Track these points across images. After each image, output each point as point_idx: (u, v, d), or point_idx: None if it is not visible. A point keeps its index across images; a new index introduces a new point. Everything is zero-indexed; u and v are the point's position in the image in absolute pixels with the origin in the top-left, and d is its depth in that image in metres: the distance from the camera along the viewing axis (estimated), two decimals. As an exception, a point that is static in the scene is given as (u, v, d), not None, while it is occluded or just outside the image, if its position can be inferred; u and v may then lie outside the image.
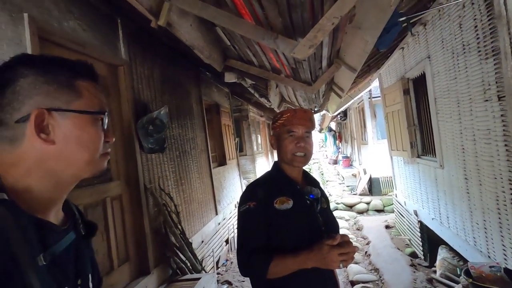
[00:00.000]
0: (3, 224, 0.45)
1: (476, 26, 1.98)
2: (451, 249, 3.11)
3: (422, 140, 3.58)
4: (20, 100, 0.51)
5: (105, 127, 0.59)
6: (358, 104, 8.59)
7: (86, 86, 0.57)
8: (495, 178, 1.98)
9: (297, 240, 1.08)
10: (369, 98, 7.62)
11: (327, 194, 1.25)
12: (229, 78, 2.54)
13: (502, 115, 1.82)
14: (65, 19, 1.85)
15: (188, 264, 2.77)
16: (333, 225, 1.21)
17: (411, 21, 1.92)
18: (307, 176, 1.24)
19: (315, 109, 4.61)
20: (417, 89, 3.52)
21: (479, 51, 1.97)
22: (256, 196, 1.10)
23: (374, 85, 5.77)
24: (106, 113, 0.58)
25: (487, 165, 2.06)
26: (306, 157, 1.14)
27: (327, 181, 10.38)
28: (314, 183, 1.22)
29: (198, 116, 4.01)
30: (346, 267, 1.09)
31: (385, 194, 7.19)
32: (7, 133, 0.52)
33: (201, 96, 4.18)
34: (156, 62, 3.01)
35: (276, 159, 1.26)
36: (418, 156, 3.61)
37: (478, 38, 1.98)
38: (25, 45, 1.57)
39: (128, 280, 2.27)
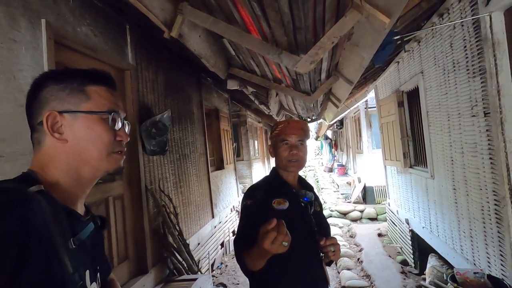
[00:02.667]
0: (42, 210, 0.54)
1: (465, 46, 2.12)
2: (440, 257, 3.21)
3: (414, 151, 3.70)
4: (41, 107, 0.61)
5: (118, 126, 0.64)
6: (354, 113, 8.75)
7: (96, 90, 0.64)
8: (481, 189, 2.09)
9: (293, 240, 1.17)
10: (365, 108, 7.78)
11: (321, 200, 1.36)
12: (232, 85, 2.64)
13: (487, 130, 1.94)
14: (79, 25, 1.95)
15: (185, 265, 2.83)
16: (325, 227, 1.31)
17: (405, 39, 2.05)
18: (302, 181, 1.35)
19: (313, 118, 4.73)
20: (410, 101, 3.66)
21: (468, 70, 2.11)
22: (254, 196, 1.21)
23: (370, 95, 5.93)
24: (113, 112, 0.63)
25: (474, 176, 2.17)
26: (299, 163, 1.25)
27: (322, 188, 10.47)
28: (309, 188, 1.33)
29: (198, 121, 4.10)
30: (336, 261, 1.16)
31: (379, 203, 7.30)
32: (35, 135, 0.63)
33: (201, 101, 4.28)
34: (160, 67, 3.11)
35: (273, 165, 1.37)
36: (411, 166, 3.74)
37: (467, 57, 2.11)
38: (42, 49, 1.66)
39: (127, 278, 2.32)
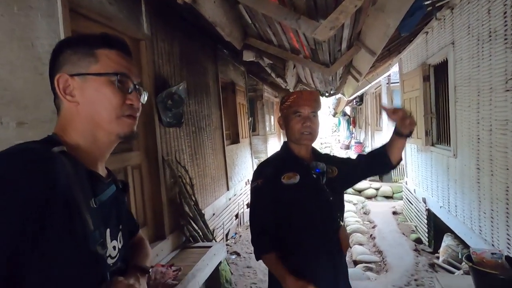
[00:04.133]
0: (65, 169, 0.56)
1: (505, 12, 1.91)
2: (456, 237, 3.16)
3: (437, 129, 3.54)
4: (57, 71, 0.63)
5: (129, 90, 0.64)
6: (375, 89, 8.39)
7: (106, 53, 0.64)
8: (507, 169, 1.98)
9: (306, 212, 1.17)
10: (387, 83, 7.42)
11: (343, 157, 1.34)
12: (247, 56, 2.56)
13: (521, 106, 1.80)
14: (93, -8, 1.91)
15: (200, 233, 2.95)
16: (338, 192, 1.28)
17: (437, 5, 1.87)
18: (315, 152, 1.31)
19: (331, 92, 4.57)
20: (437, 76, 3.44)
21: (506, 39, 1.92)
22: (265, 174, 1.20)
23: (393, 70, 5.62)
24: (121, 74, 0.62)
25: (501, 156, 2.05)
26: (312, 135, 1.21)
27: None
28: (321, 157, 1.29)
29: (214, 94, 4.07)
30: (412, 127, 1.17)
31: (395, 181, 7.18)
32: (57, 101, 0.65)
33: (217, 74, 4.21)
34: (176, 37, 3.05)
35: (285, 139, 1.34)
36: (432, 145, 3.59)
37: (506, 25, 1.91)
38: (57, 17, 1.65)
39: (146, 243, 2.46)
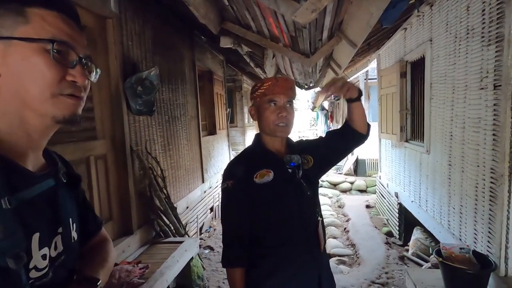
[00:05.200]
0: None
1: (483, 10, 1.91)
2: (425, 230, 3.26)
3: (412, 125, 3.60)
4: None
5: (71, 63, 0.51)
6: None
7: (40, 13, 0.50)
8: (478, 166, 2.02)
9: (285, 211, 1.08)
10: (365, 79, 7.54)
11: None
12: (225, 43, 2.42)
13: (494, 104, 1.82)
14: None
15: (172, 228, 2.82)
16: (315, 185, 1.21)
17: (419, -2, 1.83)
18: (289, 143, 1.21)
19: (310, 85, 4.53)
20: (414, 73, 3.48)
21: (483, 37, 1.93)
22: (235, 173, 1.09)
23: (372, 66, 5.68)
24: (59, 42, 0.50)
25: (472, 153, 2.09)
26: (288, 126, 1.11)
27: (314, 159, 10.52)
28: (295, 148, 1.19)
29: (190, 82, 3.88)
30: (355, 94, 1.16)
31: (370, 176, 7.38)
32: None
33: (194, 61, 4.02)
34: (149, 19, 2.83)
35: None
36: (406, 141, 3.66)
37: (483, 23, 1.92)
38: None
39: (111, 238, 2.28)
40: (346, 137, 1.21)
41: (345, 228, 4.33)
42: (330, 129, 1.42)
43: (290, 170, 1.10)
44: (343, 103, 10.58)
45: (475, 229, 2.08)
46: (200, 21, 1.89)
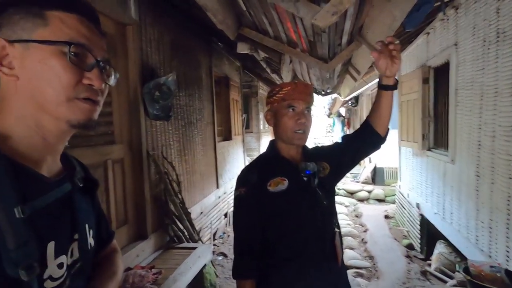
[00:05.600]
0: None
1: (516, 12, 1.81)
2: (449, 244, 3.09)
3: (435, 133, 3.45)
4: None
5: (88, 66, 0.50)
6: (371, 90, 8.32)
7: (59, 16, 0.49)
8: (510, 178, 1.89)
9: (299, 222, 1.03)
10: (384, 85, 7.34)
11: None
12: (242, 48, 2.41)
13: (529, 112, 1.70)
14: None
15: (186, 233, 2.80)
16: (330, 192, 1.15)
17: (445, 0, 1.75)
18: (305, 151, 1.15)
19: (327, 91, 4.45)
20: (437, 78, 3.34)
21: (515, 40, 1.81)
22: (248, 181, 1.05)
23: (392, 72, 5.51)
24: (77, 45, 0.48)
25: (503, 163, 1.96)
26: (305, 134, 1.07)
27: (330, 166, 10.31)
28: (311, 154, 1.14)
29: (206, 88, 3.91)
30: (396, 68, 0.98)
31: (388, 185, 7.14)
32: None
33: (211, 67, 4.05)
34: (167, 26, 2.88)
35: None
36: (429, 149, 3.50)
37: (516, 26, 1.81)
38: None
39: (126, 242, 2.30)
40: (362, 138, 1.13)
41: (362, 239, 4.18)
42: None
43: (305, 178, 1.05)
44: (360, 109, 10.37)
45: (507, 246, 1.93)
46: (217, 27, 1.90)
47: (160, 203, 2.65)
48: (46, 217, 0.49)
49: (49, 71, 0.47)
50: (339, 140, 1.23)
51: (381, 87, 1.05)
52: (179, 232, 2.74)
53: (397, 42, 0.97)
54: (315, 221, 1.04)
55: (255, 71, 6.06)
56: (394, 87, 1.04)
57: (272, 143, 1.15)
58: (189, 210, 2.95)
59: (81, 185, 0.59)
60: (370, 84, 5.91)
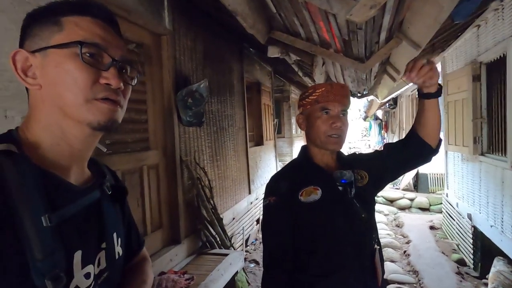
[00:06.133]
0: (2, 170, 0.41)
1: None
2: (510, 262, 2.72)
3: (489, 136, 3.10)
4: None
5: (105, 66, 0.49)
6: (412, 91, 7.81)
7: (74, 20, 0.48)
8: None
9: (333, 236, 0.94)
10: (426, 85, 6.85)
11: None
12: (273, 52, 2.37)
13: None
14: (112, -17, 1.83)
15: (218, 239, 2.80)
16: (371, 205, 1.04)
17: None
18: (340, 157, 1.06)
19: (363, 93, 4.24)
20: (490, 75, 3.01)
21: None
22: (278, 189, 0.98)
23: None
24: (88, 44, 0.47)
25: None
26: (341, 138, 0.98)
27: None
28: (348, 162, 1.04)
29: (238, 93, 3.93)
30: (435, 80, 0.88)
31: (433, 192, 6.59)
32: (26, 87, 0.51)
33: (243, 73, 4.07)
34: (200, 34, 2.94)
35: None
36: (482, 154, 3.15)
37: None
38: (72, 7, 1.57)
39: (160, 246, 2.35)
40: (410, 150, 1.02)
41: (405, 251, 3.86)
42: (388, 142, 1.19)
43: (340, 188, 0.96)
44: (399, 112, 9.77)
45: None
46: (248, 31, 1.88)
47: (193, 208, 2.68)
48: (73, 226, 0.48)
49: (66, 74, 0.47)
50: (381, 148, 1.11)
51: (422, 96, 0.94)
52: (211, 238, 2.75)
53: (425, 62, 0.85)
54: (351, 236, 0.94)
55: (287, 75, 6.00)
56: (437, 94, 0.93)
57: (304, 149, 1.08)
58: (221, 216, 2.95)
59: (110, 193, 0.58)
60: (410, 84, 5.54)
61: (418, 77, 0.85)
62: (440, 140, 1.02)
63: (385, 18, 1.46)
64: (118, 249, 0.59)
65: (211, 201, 2.87)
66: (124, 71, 0.53)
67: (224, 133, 3.46)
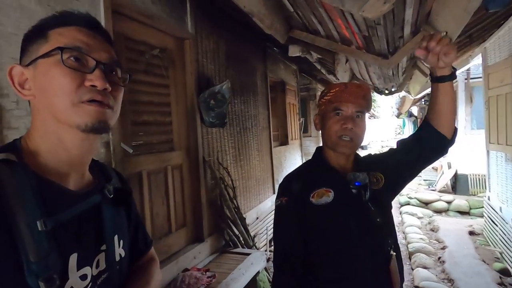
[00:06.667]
0: (1, 179, 0.45)
1: None
2: (562, 274, 2.44)
3: (537, 134, 2.80)
4: None
5: (91, 68, 0.51)
6: (450, 86, 7.28)
7: (59, 31, 0.51)
8: None
9: (345, 240, 0.91)
10: (465, 79, 6.36)
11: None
12: (293, 51, 2.34)
13: None
14: (136, -8, 1.92)
15: (241, 238, 2.83)
16: (385, 208, 0.99)
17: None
18: (357, 160, 1.02)
19: (392, 90, 4.03)
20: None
21: None
22: (290, 190, 0.96)
23: (474, 63, 4.73)
24: (68, 49, 0.49)
25: None
26: (353, 142, 0.93)
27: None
28: (362, 164, 1.00)
29: (262, 93, 3.93)
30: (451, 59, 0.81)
31: (474, 195, 6.10)
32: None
33: (266, 73, 4.07)
34: (222, 36, 2.99)
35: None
36: (529, 154, 2.86)
37: None
38: (100, 18, 1.67)
39: (184, 244, 2.43)
40: (423, 141, 0.96)
41: (439, 258, 3.62)
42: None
43: (354, 191, 0.93)
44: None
45: None
46: (266, 32, 1.87)
47: (216, 207, 2.74)
48: (69, 230, 0.51)
49: (52, 81, 0.49)
50: (394, 146, 1.06)
51: (435, 79, 0.88)
52: (234, 237, 2.78)
53: (444, 34, 0.79)
54: (364, 241, 0.90)
55: (312, 74, 5.89)
56: (451, 76, 0.86)
57: (318, 150, 1.06)
58: (244, 216, 2.98)
59: (111, 196, 0.60)
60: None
61: (437, 48, 0.78)
62: (455, 130, 0.95)
63: (407, 12, 1.37)
64: (120, 251, 0.61)
65: (234, 201, 2.90)
66: (113, 73, 0.55)
67: (247, 133, 3.49)
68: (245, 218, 2.96)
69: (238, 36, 3.32)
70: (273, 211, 3.53)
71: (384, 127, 22.62)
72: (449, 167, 6.89)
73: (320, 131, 1.02)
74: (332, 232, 0.92)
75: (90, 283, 0.52)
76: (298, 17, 1.85)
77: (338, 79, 2.86)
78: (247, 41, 3.54)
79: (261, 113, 3.90)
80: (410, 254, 3.78)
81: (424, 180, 7.69)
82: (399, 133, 22.58)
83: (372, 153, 1.12)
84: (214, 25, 2.84)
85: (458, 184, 6.46)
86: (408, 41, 1.70)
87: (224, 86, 2.74)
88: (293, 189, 0.96)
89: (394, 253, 0.93)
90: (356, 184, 0.92)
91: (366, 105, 0.95)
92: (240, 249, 2.73)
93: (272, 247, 3.81)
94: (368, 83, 3.76)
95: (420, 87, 4.06)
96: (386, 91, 3.95)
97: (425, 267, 3.38)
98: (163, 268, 2.05)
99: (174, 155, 2.36)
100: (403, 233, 4.64)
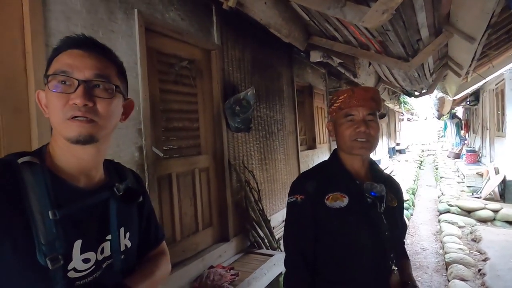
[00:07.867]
0: (16, 178, 0.57)
1: None
2: None
3: None
4: None
5: (74, 89, 0.57)
6: (496, 85, 6.71)
7: (57, 58, 0.62)
8: None
9: (352, 247, 0.94)
10: (514, 77, 5.82)
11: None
12: (315, 57, 2.39)
13: None
14: (167, 11, 2.12)
15: (265, 240, 2.91)
16: (399, 230, 1.02)
17: None
18: (374, 168, 1.04)
19: (422, 91, 3.84)
20: None
21: None
22: (306, 188, 0.97)
23: (523, 59, 4.34)
24: (52, 75, 0.58)
25: None
26: (370, 143, 0.94)
27: (441, 177, 8.75)
28: (381, 177, 1.02)
29: (288, 98, 3.99)
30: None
31: (526, 203, 5.52)
32: None
33: (293, 78, 4.12)
34: (247, 44, 3.11)
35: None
36: None
37: None
38: (135, 36, 1.89)
39: (210, 243, 2.57)
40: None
41: (479, 270, 3.36)
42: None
43: (369, 200, 0.94)
44: (483, 108, 8.44)
45: None
46: (284, 40, 1.95)
47: (241, 209, 2.85)
48: (76, 220, 0.60)
49: (49, 102, 0.60)
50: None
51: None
52: (259, 239, 2.87)
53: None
54: (373, 250, 0.93)
55: (341, 76, 5.80)
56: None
57: (334, 153, 1.06)
58: (269, 218, 3.05)
59: (119, 194, 0.68)
60: (490, 77, 4.79)
61: None
62: None
63: (419, 16, 1.36)
64: (126, 242, 0.69)
65: (259, 204, 2.99)
66: (99, 86, 0.61)
67: (273, 138, 3.57)
68: (269, 221, 3.03)
69: (263, 43, 3.43)
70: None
71: (424, 129, 21.20)
72: (497, 172, 6.31)
73: (335, 137, 1.04)
74: (340, 236, 0.94)
75: (94, 266, 0.61)
76: (315, 25, 1.91)
77: (363, 83, 2.83)
78: (272, 47, 3.63)
79: (288, 117, 3.96)
80: (447, 265, 3.56)
81: (467, 186, 7.12)
82: (441, 136, 21.05)
83: (393, 177, 1.14)
84: (239, 35, 2.98)
85: (507, 191, 5.89)
86: (429, 43, 1.66)
87: (249, 92, 2.86)
88: (309, 188, 0.97)
89: (396, 268, 0.95)
90: (372, 194, 0.94)
91: (376, 106, 0.97)
92: (264, 250, 2.81)
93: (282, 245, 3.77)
94: (395, 85, 3.64)
95: (456, 88, 3.82)
96: (416, 93, 3.78)
97: (462, 279, 3.16)
98: (190, 264, 2.21)
99: (201, 159, 2.53)
100: (441, 242, 4.37)
